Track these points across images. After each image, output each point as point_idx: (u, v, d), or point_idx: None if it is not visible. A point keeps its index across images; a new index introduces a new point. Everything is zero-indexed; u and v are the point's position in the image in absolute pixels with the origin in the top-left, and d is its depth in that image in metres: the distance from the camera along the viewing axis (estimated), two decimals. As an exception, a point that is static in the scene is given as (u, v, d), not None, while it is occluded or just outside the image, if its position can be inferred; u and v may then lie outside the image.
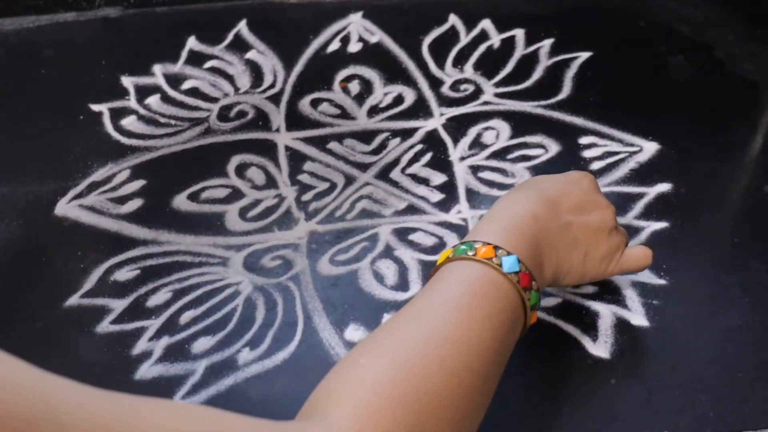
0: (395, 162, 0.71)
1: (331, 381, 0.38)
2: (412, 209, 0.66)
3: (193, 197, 0.68)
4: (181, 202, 0.67)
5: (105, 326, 0.58)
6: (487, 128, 0.74)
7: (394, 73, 0.80)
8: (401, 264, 0.62)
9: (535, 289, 0.44)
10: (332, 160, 0.71)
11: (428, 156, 0.71)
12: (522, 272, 0.43)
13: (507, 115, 0.75)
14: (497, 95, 0.77)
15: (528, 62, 0.81)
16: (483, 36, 0.84)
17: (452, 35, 0.85)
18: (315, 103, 0.77)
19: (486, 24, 0.86)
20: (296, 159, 0.71)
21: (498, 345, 0.41)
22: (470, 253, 0.43)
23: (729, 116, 0.74)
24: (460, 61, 0.82)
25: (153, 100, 0.78)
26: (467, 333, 0.39)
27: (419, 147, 0.72)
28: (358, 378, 0.36)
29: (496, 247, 0.43)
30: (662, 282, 0.59)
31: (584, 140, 0.71)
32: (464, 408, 0.38)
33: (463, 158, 0.71)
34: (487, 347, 0.40)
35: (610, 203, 0.53)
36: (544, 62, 0.81)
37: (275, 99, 0.78)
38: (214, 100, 0.78)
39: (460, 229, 0.64)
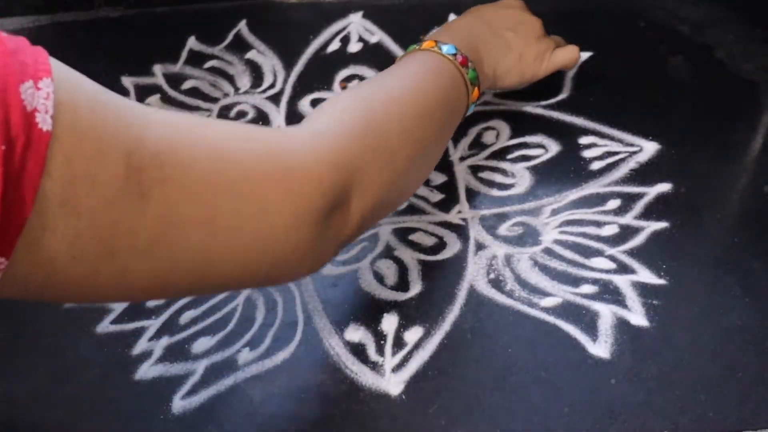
0: (395, 162, 0.71)
1: (319, 111, 0.50)
2: (412, 209, 0.66)
3: (193, 197, 0.68)
4: (181, 202, 0.67)
5: (105, 326, 0.58)
6: (487, 128, 0.74)
7: (394, 73, 0.80)
8: (401, 264, 0.62)
9: (471, 68, 0.58)
10: (332, 160, 0.71)
11: (428, 156, 0.71)
12: (459, 55, 0.57)
13: (507, 115, 0.75)
14: (497, 95, 0.77)
15: (528, 62, 0.81)
16: (483, 36, 0.84)
17: (452, 35, 0.84)
18: (315, 103, 0.77)
19: (486, 24, 0.85)
20: (296, 159, 0.71)
21: (443, 108, 0.55)
22: (417, 47, 0.59)
23: (729, 116, 0.74)
24: (460, 61, 0.81)
25: (153, 100, 0.78)
26: (421, 90, 0.54)
27: (419, 147, 0.72)
28: (336, 109, 0.49)
29: (436, 42, 0.58)
30: (662, 282, 0.59)
31: (584, 140, 0.71)
32: (412, 149, 0.50)
33: (463, 158, 0.71)
34: (436, 106, 0.54)
35: (538, 18, 0.69)
36: (544, 62, 0.81)
37: (275, 99, 0.78)
38: (214, 100, 0.78)
39: (461, 229, 0.64)
